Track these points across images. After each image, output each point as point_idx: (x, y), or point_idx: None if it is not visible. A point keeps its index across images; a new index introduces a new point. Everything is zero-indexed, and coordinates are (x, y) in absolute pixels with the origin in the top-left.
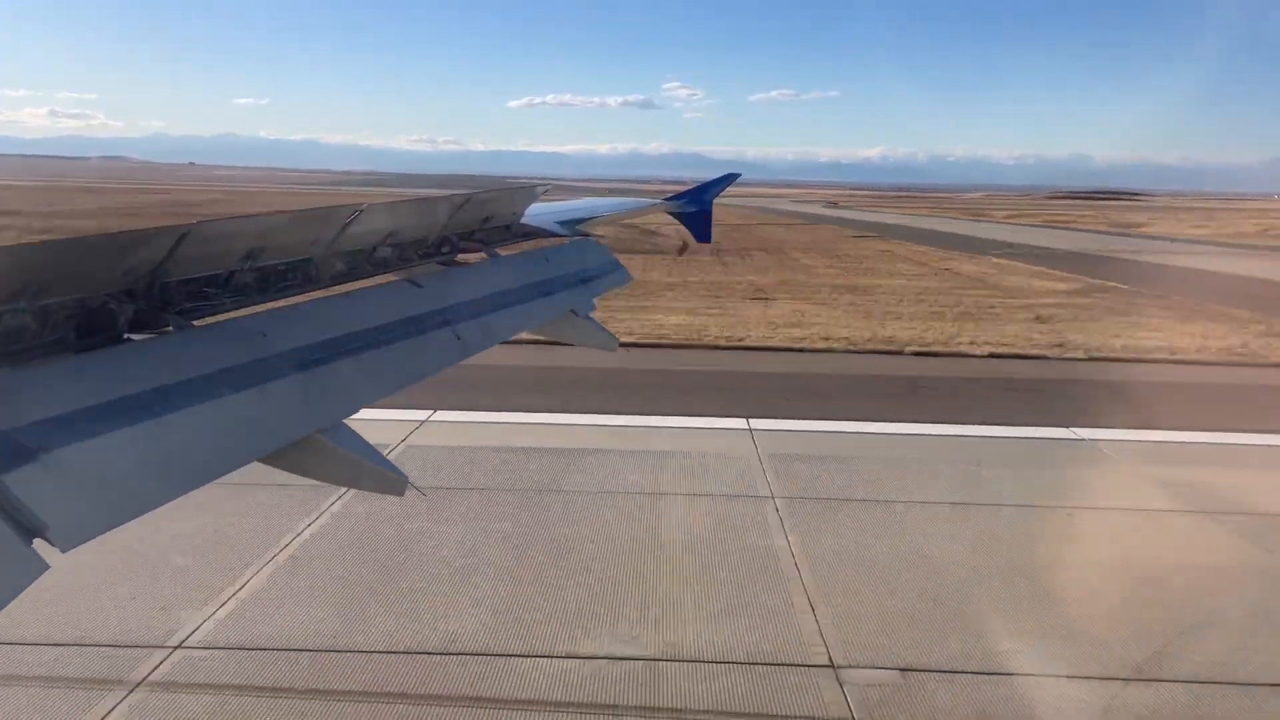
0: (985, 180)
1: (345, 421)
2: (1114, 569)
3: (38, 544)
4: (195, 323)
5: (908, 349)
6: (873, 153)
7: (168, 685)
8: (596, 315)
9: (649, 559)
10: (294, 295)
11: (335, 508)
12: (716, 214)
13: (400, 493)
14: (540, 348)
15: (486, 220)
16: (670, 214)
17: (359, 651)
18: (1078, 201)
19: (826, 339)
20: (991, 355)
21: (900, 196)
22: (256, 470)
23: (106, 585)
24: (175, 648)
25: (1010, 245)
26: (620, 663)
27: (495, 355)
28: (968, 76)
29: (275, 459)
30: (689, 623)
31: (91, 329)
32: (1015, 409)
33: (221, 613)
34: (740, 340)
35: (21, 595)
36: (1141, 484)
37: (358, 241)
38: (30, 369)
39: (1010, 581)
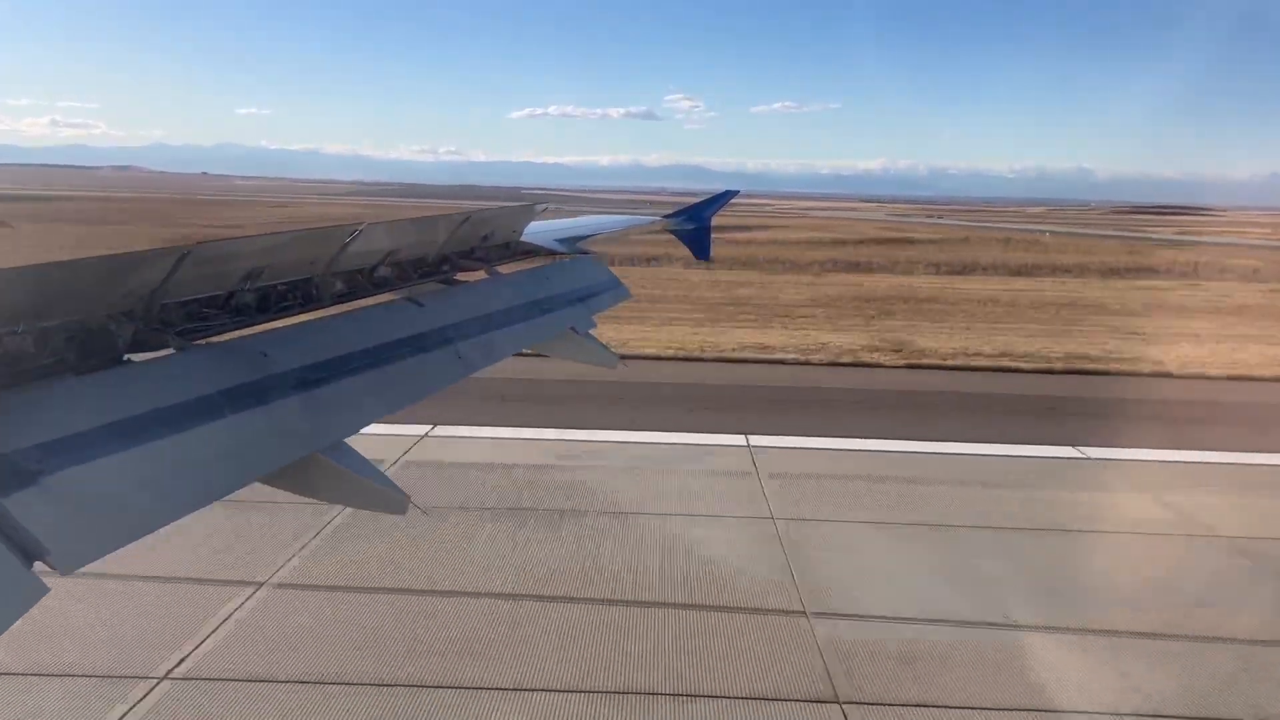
0: (986, 193)
1: (346, 441)
2: None
3: (37, 567)
4: (196, 343)
5: None
6: (873, 165)
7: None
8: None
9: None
10: (294, 315)
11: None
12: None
13: (402, 511)
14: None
15: (486, 238)
16: (670, 231)
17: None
18: (1154, 216)
19: None
20: None
21: (979, 210)
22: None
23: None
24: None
25: None
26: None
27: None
28: (969, 89)
29: (276, 479)
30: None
31: (91, 350)
32: None
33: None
34: None
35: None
36: None
37: (358, 261)
38: (30, 391)
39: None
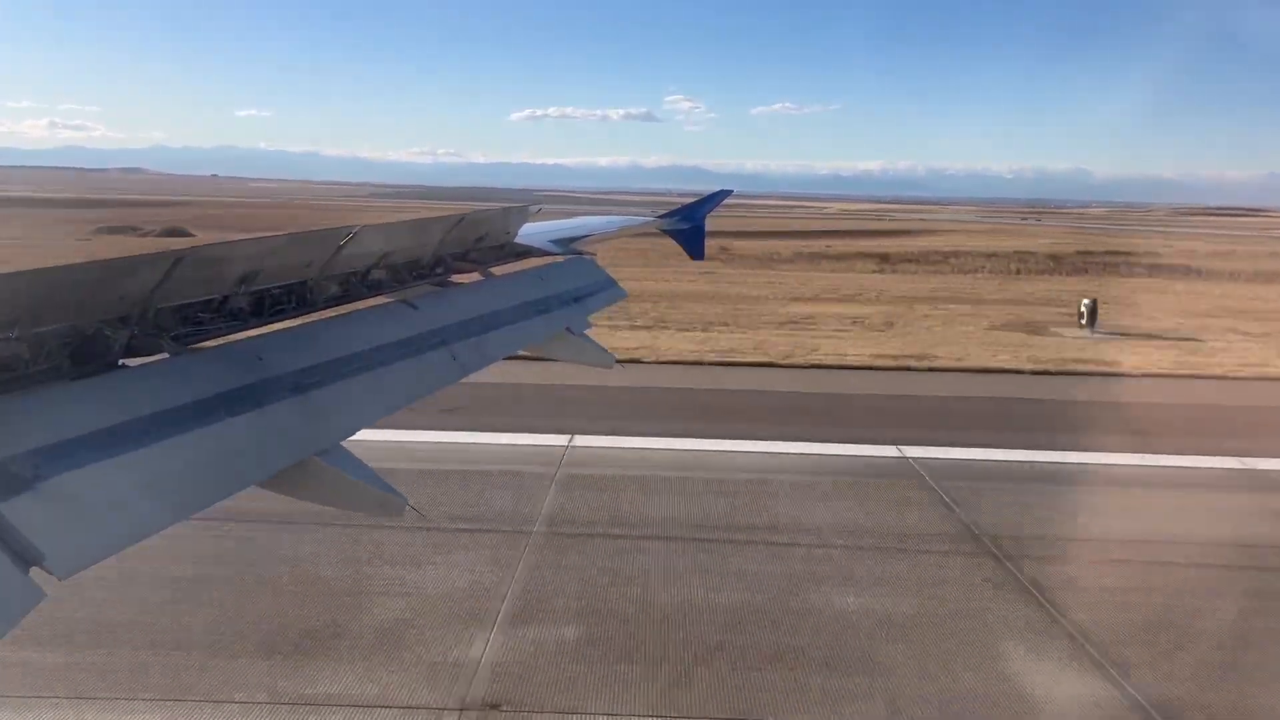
0: (985, 193)
1: (343, 444)
2: None
3: (35, 573)
4: (190, 347)
5: None
6: (872, 166)
7: None
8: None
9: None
10: (289, 318)
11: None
12: None
13: (400, 514)
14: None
15: (480, 240)
16: (664, 231)
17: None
18: (1223, 217)
19: None
20: None
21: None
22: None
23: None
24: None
25: None
26: None
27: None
28: (967, 90)
29: (273, 483)
30: None
31: (86, 356)
32: None
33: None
34: None
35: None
36: None
37: (352, 263)
38: (25, 397)
39: None
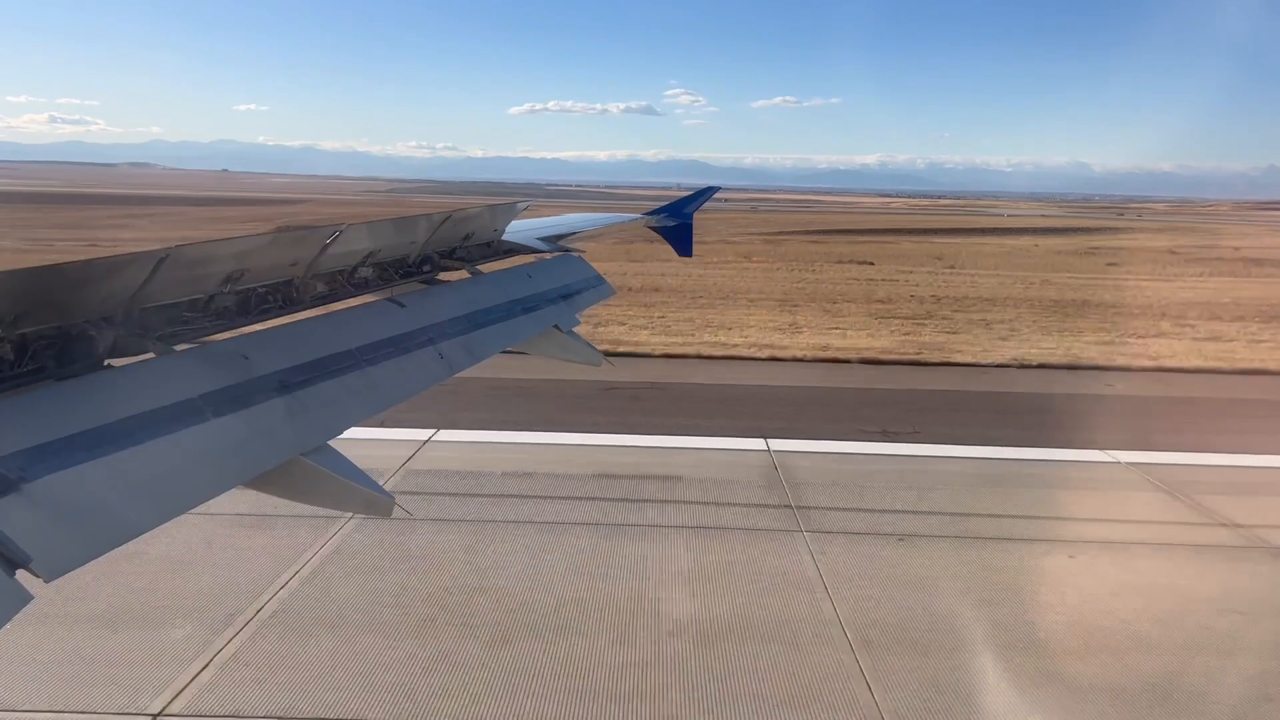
0: (984, 187)
1: (330, 443)
2: None
3: (21, 575)
4: (176, 347)
5: None
6: (870, 159)
7: None
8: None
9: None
10: (275, 317)
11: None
12: None
13: (388, 514)
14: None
15: (467, 238)
16: (651, 228)
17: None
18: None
19: None
20: None
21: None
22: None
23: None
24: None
25: None
26: None
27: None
28: (966, 84)
29: (259, 483)
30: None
31: (71, 356)
32: None
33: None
34: None
35: None
36: None
37: (338, 262)
38: (9, 398)
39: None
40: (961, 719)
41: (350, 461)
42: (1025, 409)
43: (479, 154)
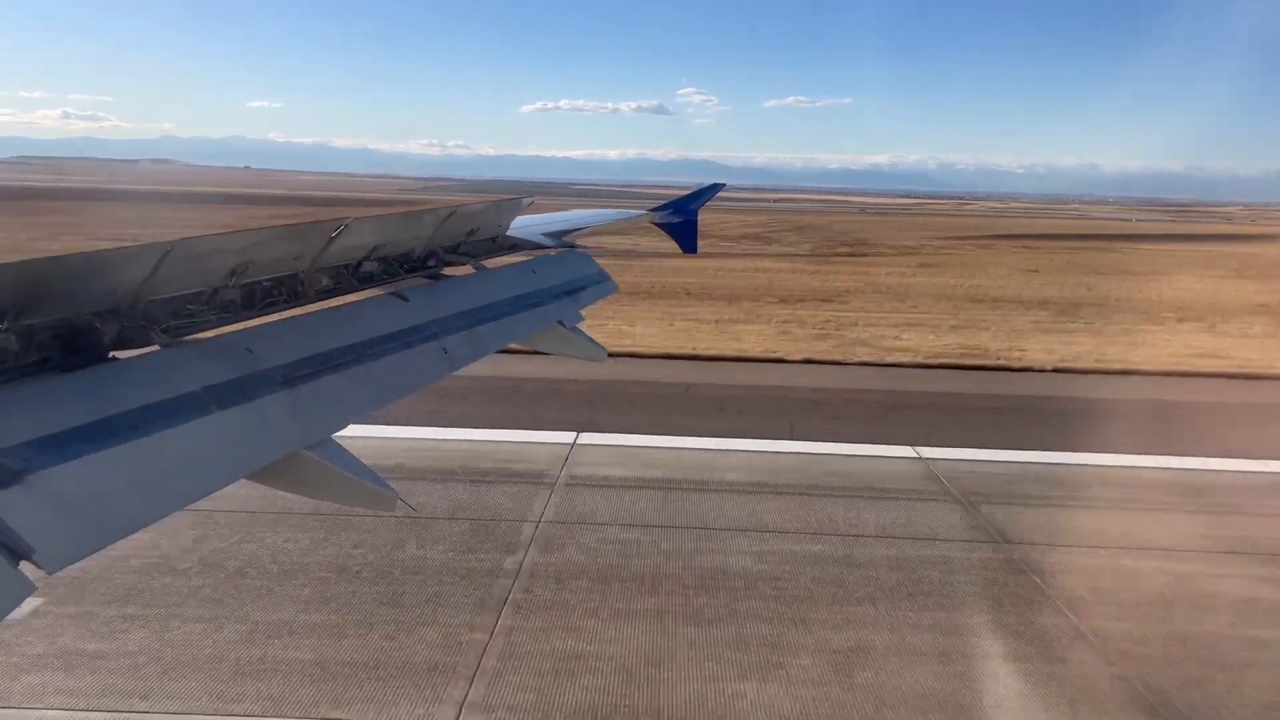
0: (995, 188)
1: (334, 437)
2: None
3: (24, 566)
4: (181, 340)
5: None
6: (881, 159)
7: None
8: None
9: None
10: (280, 311)
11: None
12: None
13: (391, 509)
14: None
15: (472, 233)
16: (656, 225)
17: None
18: None
19: None
20: None
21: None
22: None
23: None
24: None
25: None
26: None
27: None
28: (978, 84)
29: (263, 476)
30: None
31: (76, 348)
32: None
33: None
34: None
35: None
36: None
37: (343, 256)
38: (14, 389)
39: None
40: None
41: (353, 456)
42: None
43: (490, 152)
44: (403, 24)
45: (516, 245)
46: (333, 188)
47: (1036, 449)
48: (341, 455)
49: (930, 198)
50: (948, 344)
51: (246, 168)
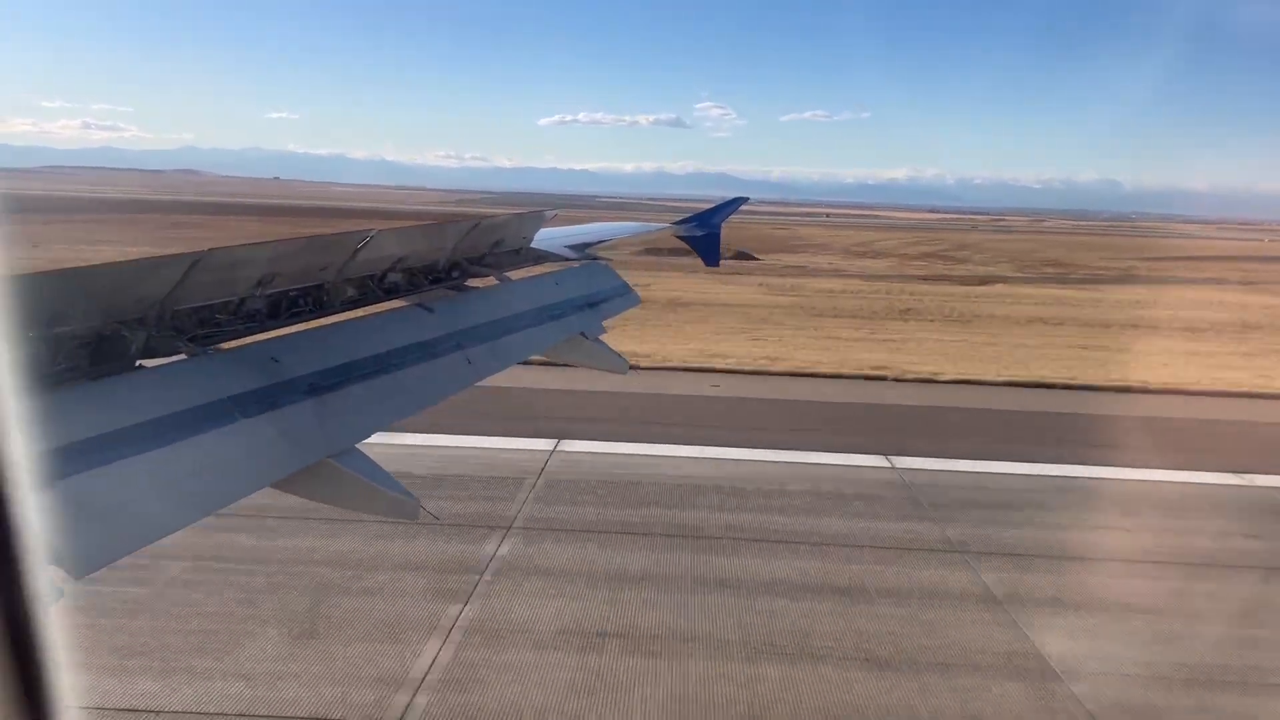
0: (1014, 204)
1: (358, 446)
2: None
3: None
4: (208, 349)
5: None
6: (898, 174)
7: None
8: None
9: None
10: (306, 321)
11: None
12: None
13: (414, 517)
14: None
15: (496, 245)
16: (679, 238)
17: None
18: None
19: None
20: None
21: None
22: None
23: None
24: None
25: None
26: None
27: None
28: (997, 99)
29: (288, 484)
30: None
31: (105, 356)
32: None
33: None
34: None
35: None
36: None
37: (368, 267)
38: (44, 396)
39: None
40: None
41: (377, 464)
42: None
43: (507, 164)
44: (422, 36)
45: (540, 257)
46: (366, 198)
47: None
48: (366, 464)
49: (953, 213)
50: None
51: (276, 179)
